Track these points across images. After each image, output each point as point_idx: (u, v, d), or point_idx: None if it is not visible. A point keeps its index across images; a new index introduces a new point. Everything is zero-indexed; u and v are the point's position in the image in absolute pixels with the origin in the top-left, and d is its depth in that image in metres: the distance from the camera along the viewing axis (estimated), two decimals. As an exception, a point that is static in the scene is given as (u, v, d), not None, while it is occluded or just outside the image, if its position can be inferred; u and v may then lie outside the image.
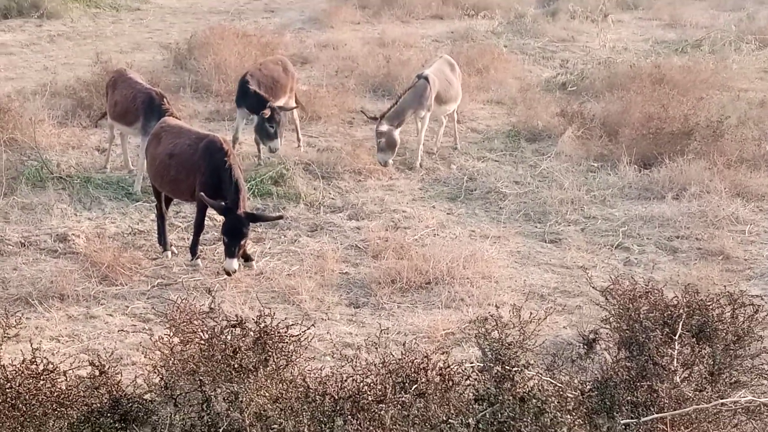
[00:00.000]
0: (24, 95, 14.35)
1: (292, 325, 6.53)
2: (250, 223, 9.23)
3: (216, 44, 16.08)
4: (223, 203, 9.14)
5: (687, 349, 6.53)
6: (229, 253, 9.13)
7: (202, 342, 6.32)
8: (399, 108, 12.32)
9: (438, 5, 22.29)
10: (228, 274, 9.23)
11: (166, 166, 9.70)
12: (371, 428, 5.65)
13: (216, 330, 6.37)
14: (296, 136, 13.13)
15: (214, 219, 10.62)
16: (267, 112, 11.85)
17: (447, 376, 5.99)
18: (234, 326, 6.37)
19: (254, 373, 6.01)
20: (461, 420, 5.56)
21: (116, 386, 6.05)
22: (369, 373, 6.08)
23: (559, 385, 6.10)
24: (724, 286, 7.94)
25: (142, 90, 11.30)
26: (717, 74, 15.74)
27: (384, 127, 12.14)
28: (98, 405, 5.93)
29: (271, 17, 21.70)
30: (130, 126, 11.40)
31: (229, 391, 5.85)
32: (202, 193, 9.17)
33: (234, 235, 9.09)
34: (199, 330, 6.48)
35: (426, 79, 12.50)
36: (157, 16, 21.61)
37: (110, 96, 11.77)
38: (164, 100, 10.96)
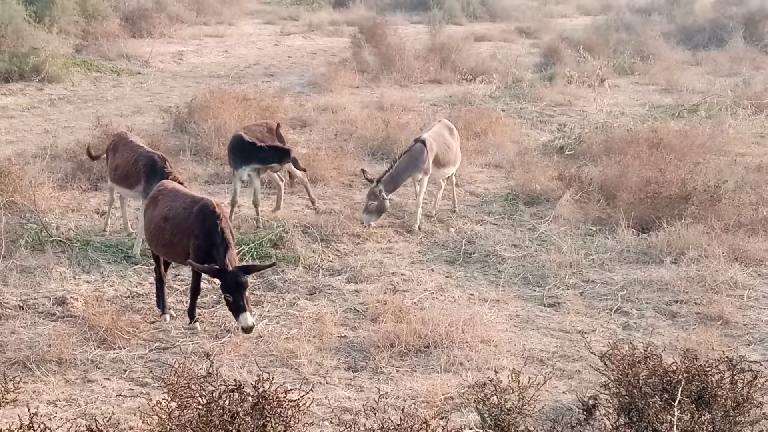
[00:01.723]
0: (24, 158, 14.43)
1: (291, 389, 6.51)
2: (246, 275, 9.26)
3: (216, 108, 16.21)
4: (214, 266, 9.20)
5: (686, 415, 6.51)
6: (240, 308, 9.09)
7: (200, 407, 6.29)
8: (395, 173, 12.41)
9: (436, 70, 22.58)
10: (247, 331, 9.17)
11: (161, 230, 9.73)
12: (370, 495, 5.61)
13: (214, 395, 6.34)
14: (309, 197, 13.16)
15: (212, 282, 10.62)
16: (295, 156, 12.31)
17: (446, 442, 5.96)
18: (232, 391, 6.35)
19: (252, 438, 5.99)
20: (460, 487, 5.52)
21: (113, 451, 6.02)
22: (367, 438, 6.06)
23: (559, 451, 6.07)
24: (723, 352, 7.92)
25: (144, 153, 11.35)
26: (714, 139, 15.86)
27: (377, 191, 12.23)
28: (95, 470, 5.90)
29: (271, 81, 21.92)
30: (131, 189, 11.43)
31: (227, 456, 5.82)
32: (191, 261, 9.22)
33: (238, 288, 9.10)
34: (197, 395, 6.46)
35: (423, 142, 12.59)
36: (158, 80, 21.82)
37: (111, 159, 11.82)
38: (166, 163, 11.03)
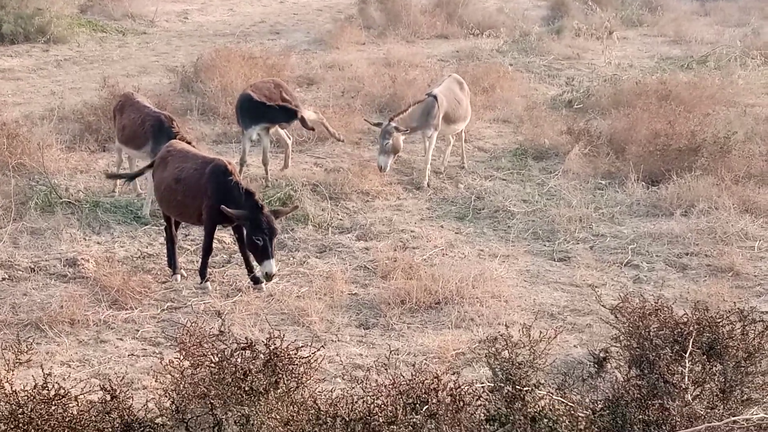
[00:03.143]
0: (32, 120, 14.40)
1: (302, 347, 6.53)
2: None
3: (222, 67, 16.14)
4: (244, 211, 9.24)
5: (698, 366, 6.52)
6: (269, 254, 9.25)
7: (213, 365, 6.31)
8: (407, 117, 12.29)
9: (443, 25, 22.39)
10: (270, 278, 9.35)
11: (172, 191, 9.75)
12: (383, 450, 5.64)
13: (226, 353, 6.36)
14: (330, 133, 13.04)
15: (223, 241, 10.65)
16: (303, 115, 12.25)
17: (458, 397, 5.98)
18: (244, 349, 6.37)
19: (265, 395, 6.01)
20: (473, 441, 5.55)
21: (128, 411, 6.05)
22: (379, 394, 6.08)
23: (571, 404, 6.09)
24: (734, 303, 7.92)
25: (151, 113, 11.33)
26: (723, 90, 15.77)
27: (391, 128, 12.15)
28: (110, 430, 5.93)
29: (277, 39, 21.78)
30: (138, 150, 11.43)
31: (240, 414, 5.85)
32: (223, 207, 9.20)
33: (272, 231, 9.24)
34: (209, 353, 6.48)
35: (435, 97, 12.50)
36: (163, 40, 21.70)
37: (118, 120, 11.81)
38: (173, 123, 11.01)
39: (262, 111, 12.33)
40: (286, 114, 12.33)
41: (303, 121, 12.30)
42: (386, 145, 12.23)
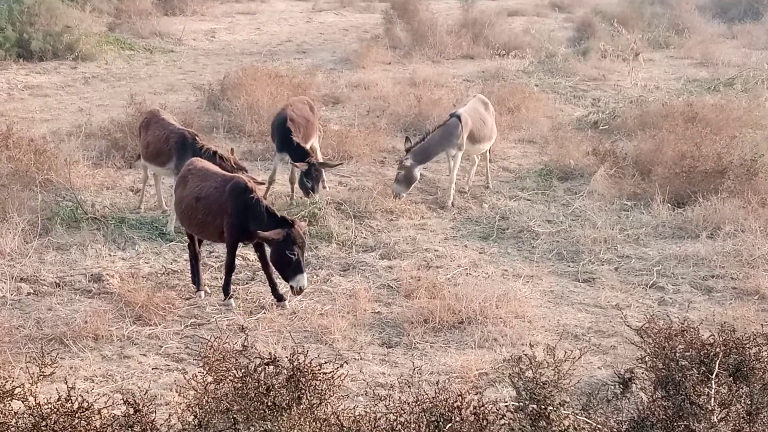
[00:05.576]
0: (59, 136, 14.52)
1: (325, 363, 6.52)
2: None
3: (248, 85, 16.22)
4: (280, 230, 9.24)
5: (724, 388, 6.45)
6: (302, 269, 9.31)
7: (236, 380, 6.30)
8: (426, 145, 12.39)
9: (469, 45, 22.44)
10: (300, 291, 9.40)
11: (193, 209, 9.77)
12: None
13: (249, 368, 6.36)
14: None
15: (247, 259, 10.66)
16: (303, 166, 11.99)
17: (482, 415, 5.94)
18: (267, 364, 6.36)
19: (288, 411, 6.00)
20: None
21: (151, 425, 6.04)
22: (402, 412, 6.05)
23: (596, 424, 6.04)
24: (761, 326, 7.85)
25: (175, 131, 11.39)
26: (750, 113, 15.67)
27: (407, 162, 12.23)
28: (132, 444, 5.93)
29: (303, 58, 21.88)
30: (162, 166, 11.49)
31: (262, 429, 5.84)
32: (258, 231, 9.21)
33: (304, 245, 9.35)
34: (233, 368, 6.47)
35: (458, 117, 12.53)
36: (190, 58, 21.84)
37: (143, 137, 11.87)
38: (197, 139, 11.07)
39: (288, 143, 12.25)
40: (300, 154, 12.19)
41: (311, 166, 12.13)
42: (398, 175, 12.45)
